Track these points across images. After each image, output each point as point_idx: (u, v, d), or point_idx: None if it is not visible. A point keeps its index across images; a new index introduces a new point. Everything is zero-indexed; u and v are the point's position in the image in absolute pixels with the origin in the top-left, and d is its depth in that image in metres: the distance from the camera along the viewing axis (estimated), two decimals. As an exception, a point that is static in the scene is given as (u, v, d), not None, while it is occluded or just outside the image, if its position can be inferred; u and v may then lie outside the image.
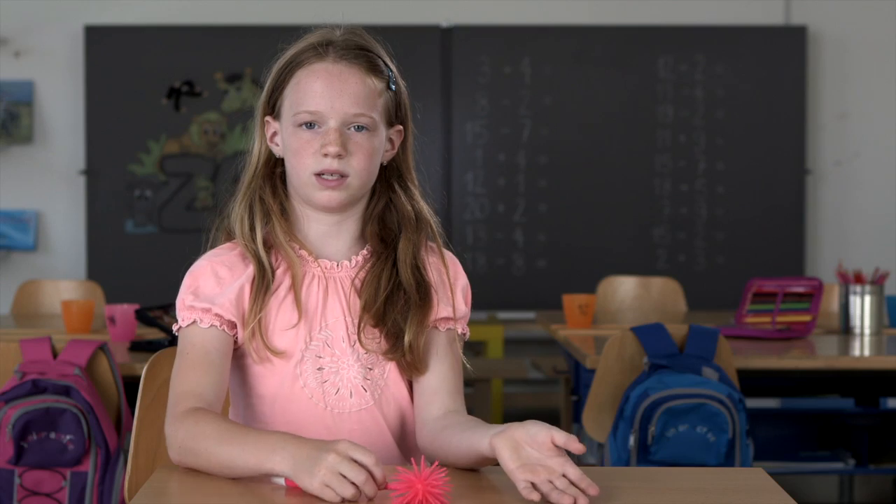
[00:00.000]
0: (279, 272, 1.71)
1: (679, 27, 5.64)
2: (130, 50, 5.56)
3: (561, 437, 1.45)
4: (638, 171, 5.63)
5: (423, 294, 1.73)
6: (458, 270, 1.79)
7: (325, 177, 1.69)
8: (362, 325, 1.70)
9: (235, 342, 1.69)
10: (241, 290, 1.68)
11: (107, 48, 5.55)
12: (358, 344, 1.70)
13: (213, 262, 1.70)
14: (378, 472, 1.41)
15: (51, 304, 4.23)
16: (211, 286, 1.68)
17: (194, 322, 1.66)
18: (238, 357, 1.71)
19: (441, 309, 1.75)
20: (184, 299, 1.68)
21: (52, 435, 2.61)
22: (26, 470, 2.63)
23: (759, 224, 5.63)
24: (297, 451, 1.44)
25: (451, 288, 1.76)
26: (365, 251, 1.76)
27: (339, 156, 1.68)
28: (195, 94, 5.58)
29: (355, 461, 1.41)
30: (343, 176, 1.69)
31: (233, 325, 1.68)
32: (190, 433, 1.55)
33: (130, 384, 2.64)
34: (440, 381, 1.72)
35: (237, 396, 1.74)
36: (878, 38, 5.73)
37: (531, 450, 1.46)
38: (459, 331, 1.76)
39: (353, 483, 1.40)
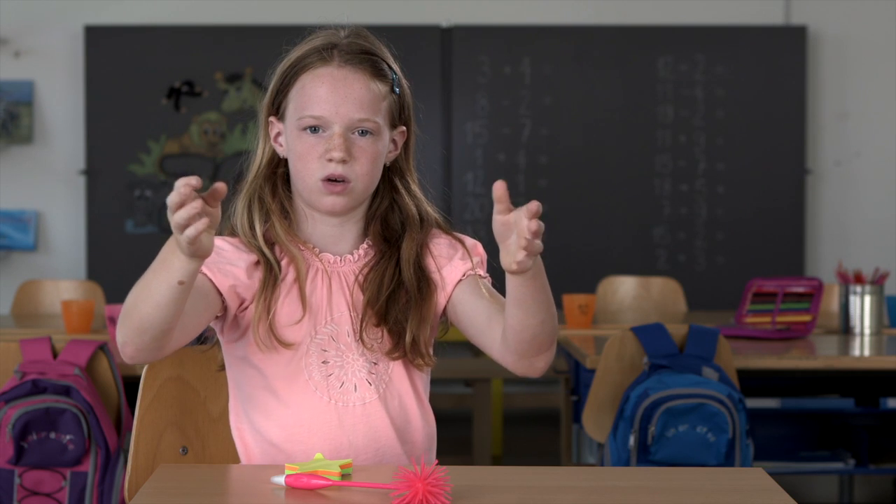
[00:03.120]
0: (283, 264, 1.72)
1: (679, 27, 5.65)
2: (130, 50, 5.56)
3: (528, 216, 1.54)
4: (638, 171, 5.64)
5: (423, 292, 1.73)
6: (466, 237, 1.79)
7: (330, 182, 1.69)
8: (365, 323, 1.71)
9: (224, 313, 1.68)
10: (241, 272, 1.68)
11: (107, 48, 5.55)
12: (360, 339, 1.71)
13: (217, 238, 1.69)
14: (193, 180, 1.40)
15: (51, 304, 4.23)
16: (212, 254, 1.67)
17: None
18: (242, 346, 1.72)
19: (457, 270, 1.73)
20: None
21: (52, 435, 2.61)
22: (26, 470, 2.63)
23: (759, 224, 5.64)
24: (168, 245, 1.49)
25: (464, 244, 1.75)
26: (365, 244, 1.76)
27: (343, 161, 1.68)
28: (195, 94, 5.58)
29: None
30: (347, 181, 1.70)
31: (220, 293, 1.66)
32: (122, 309, 1.55)
33: (130, 384, 2.64)
34: (487, 311, 1.69)
35: (240, 387, 1.74)
36: (878, 38, 5.74)
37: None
38: (482, 273, 1.74)
39: (184, 202, 1.41)
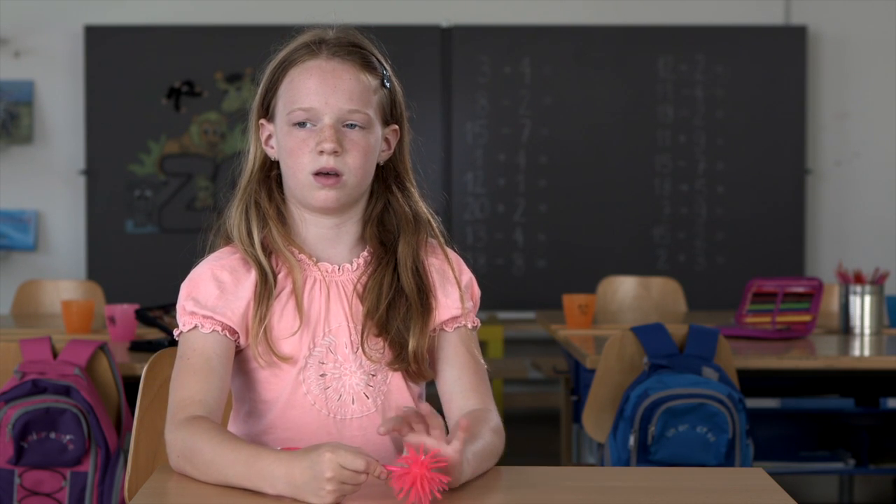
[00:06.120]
0: (280, 276, 1.69)
1: (679, 27, 5.65)
2: (130, 50, 5.56)
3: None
4: (638, 171, 5.64)
5: (424, 299, 1.71)
6: (462, 267, 1.78)
7: (321, 175, 1.66)
8: (366, 333, 1.68)
9: (237, 347, 1.69)
10: (247, 299, 1.67)
11: (107, 48, 5.55)
12: (361, 351, 1.68)
13: (214, 266, 1.69)
14: (374, 468, 1.42)
15: (51, 304, 4.22)
16: (212, 292, 1.66)
17: (195, 327, 1.65)
18: (242, 361, 1.70)
19: (447, 310, 1.73)
20: (184, 305, 1.67)
21: (52, 435, 2.61)
22: (26, 470, 2.63)
23: (759, 224, 5.64)
24: (290, 475, 1.44)
25: (458, 284, 1.74)
26: (366, 253, 1.73)
27: (334, 152, 1.65)
28: (195, 94, 5.59)
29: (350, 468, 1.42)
30: (338, 175, 1.66)
31: (234, 332, 1.67)
32: (188, 445, 1.54)
33: (130, 384, 2.64)
34: (452, 385, 1.71)
35: (240, 400, 1.73)
36: (878, 38, 5.74)
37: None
38: (469, 325, 1.75)
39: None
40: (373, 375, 1.69)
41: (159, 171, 5.57)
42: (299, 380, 1.68)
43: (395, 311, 1.69)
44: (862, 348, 3.25)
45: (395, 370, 1.70)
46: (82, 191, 5.60)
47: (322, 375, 1.68)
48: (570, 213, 5.64)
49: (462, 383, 1.71)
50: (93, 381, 2.72)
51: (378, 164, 1.74)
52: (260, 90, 1.74)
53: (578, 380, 3.33)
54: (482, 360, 1.75)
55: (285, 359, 1.67)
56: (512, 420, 5.58)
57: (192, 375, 1.62)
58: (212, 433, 1.54)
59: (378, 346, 1.69)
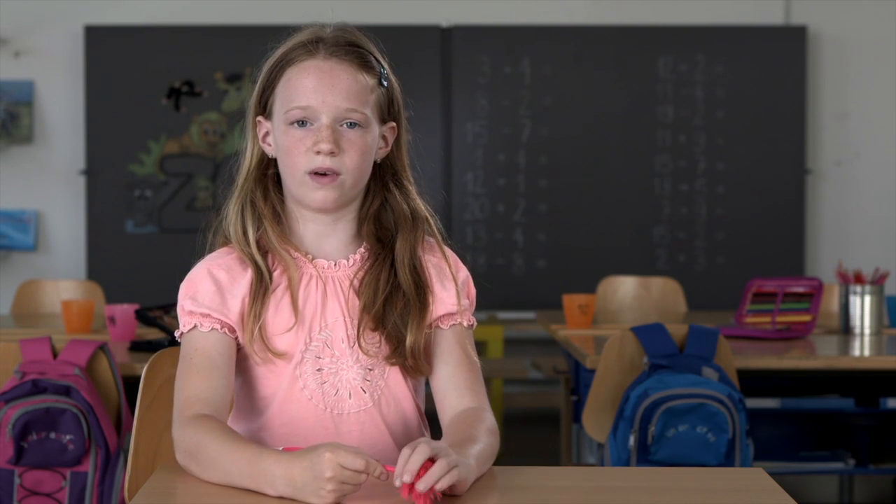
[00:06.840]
0: (276, 274, 1.70)
1: (679, 27, 5.65)
2: (130, 50, 5.56)
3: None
4: (638, 171, 5.64)
5: (421, 295, 1.71)
6: (459, 265, 1.78)
7: (317, 175, 1.66)
8: (362, 328, 1.69)
9: (238, 344, 1.69)
10: (243, 297, 1.68)
11: (107, 48, 5.55)
12: (357, 345, 1.69)
13: (211, 265, 1.69)
14: (372, 468, 1.43)
15: (51, 304, 4.22)
16: (209, 291, 1.67)
17: (195, 327, 1.66)
18: (239, 359, 1.70)
19: (443, 306, 1.73)
20: (183, 305, 1.68)
21: (52, 435, 2.61)
22: (26, 470, 2.63)
23: (759, 224, 5.64)
24: (290, 475, 1.44)
25: (455, 281, 1.74)
26: (363, 249, 1.74)
27: (331, 153, 1.65)
28: (195, 94, 5.59)
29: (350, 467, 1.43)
30: (336, 174, 1.67)
31: (233, 329, 1.67)
32: (193, 443, 1.55)
33: (130, 384, 2.64)
34: (447, 382, 1.72)
35: (239, 397, 1.74)
36: (878, 38, 5.74)
37: None
38: (465, 323, 1.75)
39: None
40: (370, 370, 1.70)
41: (159, 171, 5.57)
42: (296, 375, 1.68)
43: (392, 306, 1.69)
44: (862, 348, 3.25)
45: (393, 364, 1.70)
46: (82, 191, 5.60)
47: (319, 370, 1.68)
48: (570, 213, 5.64)
49: (456, 381, 1.71)
50: (93, 381, 2.72)
51: (375, 162, 1.74)
52: (257, 88, 1.74)
53: (578, 380, 3.33)
54: (477, 359, 1.75)
55: (280, 354, 1.67)
56: (512, 420, 5.57)
57: (196, 374, 1.63)
58: (217, 432, 1.55)
59: (375, 340, 1.70)
